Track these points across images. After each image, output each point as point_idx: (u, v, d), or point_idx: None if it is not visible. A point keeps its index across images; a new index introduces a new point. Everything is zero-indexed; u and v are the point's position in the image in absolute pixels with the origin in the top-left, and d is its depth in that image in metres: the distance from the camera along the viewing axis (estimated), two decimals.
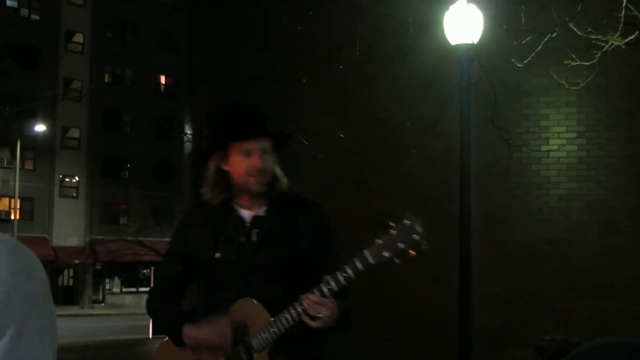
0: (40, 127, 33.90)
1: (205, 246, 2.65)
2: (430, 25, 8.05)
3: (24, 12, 36.84)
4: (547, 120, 8.69)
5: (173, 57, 37.72)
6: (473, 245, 6.73)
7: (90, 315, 32.74)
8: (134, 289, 39.33)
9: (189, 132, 12.93)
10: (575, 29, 6.83)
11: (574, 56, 7.23)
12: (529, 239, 8.64)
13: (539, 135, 8.58)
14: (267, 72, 10.20)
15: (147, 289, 34.00)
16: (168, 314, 2.75)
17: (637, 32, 6.71)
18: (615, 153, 8.45)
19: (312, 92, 9.88)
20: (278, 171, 2.68)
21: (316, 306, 2.43)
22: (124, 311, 34.59)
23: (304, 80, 9.64)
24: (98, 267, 38.17)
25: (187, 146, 13.25)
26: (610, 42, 6.82)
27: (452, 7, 6.97)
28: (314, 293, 2.45)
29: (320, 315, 2.44)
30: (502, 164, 8.57)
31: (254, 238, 2.63)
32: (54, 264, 34.07)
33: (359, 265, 2.42)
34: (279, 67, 9.89)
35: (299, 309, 2.46)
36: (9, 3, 36.22)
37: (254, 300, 2.56)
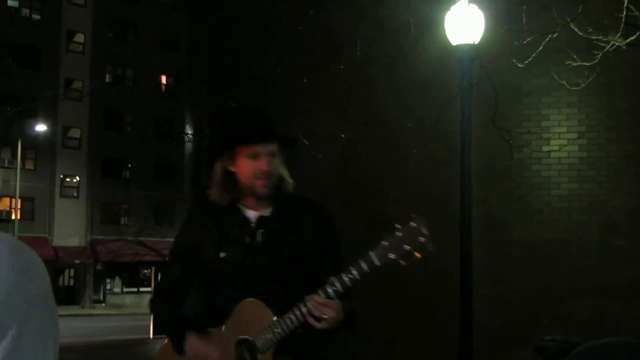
0: (41, 127, 33.91)
1: (210, 246, 2.65)
2: (431, 25, 8.05)
3: (25, 12, 36.85)
4: (548, 121, 8.69)
5: (174, 57, 37.73)
6: (474, 245, 6.73)
7: (91, 315, 32.75)
8: (134, 289, 39.34)
9: (189, 132, 12.94)
10: (576, 29, 6.83)
11: (575, 57, 7.23)
12: (529, 239, 8.64)
13: (539, 135, 8.58)
14: (268, 72, 10.20)
15: (148, 289, 34.12)
16: (172, 317, 2.74)
17: (638, 33, 6.70)
18: (615, 153, 8.45)
19: (313, 92, 9.88)
20: (284, 172, 2.68)
21: (321, 307, 2.43)
22: (125, 311, 34.60)
23: (304, 80, 9.64)
24: (99, 267, 38.17)
25: (188, 146, 13.28)
26: (611, 43, 6.81)
27: (453, 8, 6.97)
28: (318, 294, 2.45)
29: (325, 317, 2.44)
30: (503, 164, 8.57)
31: (259, 238, 2.63)
32: (54, 264, 34.08)
33: (364, 266, 2.43)
34: (280, 67, 9.89)
35: (304, 310, 2.46)
36: (10, 3, 36.24)
37: (259, 301, 2.55)
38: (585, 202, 8.49)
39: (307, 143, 7.90)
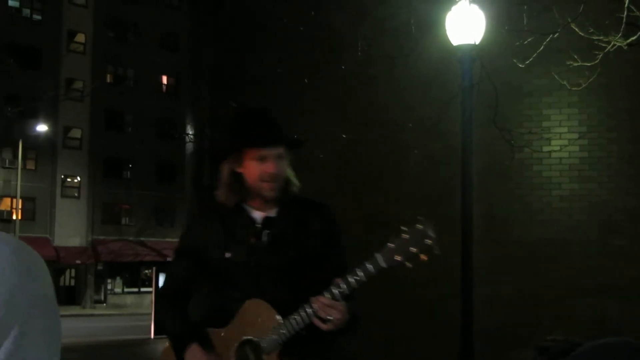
0: (42, 127, 33.92)
1: (215, 246, 2.65)
2: (432, 25, 8.05)
3: (26, 12, 36.87)
4: (549, 121, 8.69)
5: (175, 57, 37.76)
6: (474, 245, 6.72)
7: (92, 315, 32.77)
8: (135, 289, 39.34)
9: (190, 133, 12.95)
10: (577, 29, 6.82)
11: (575, 57, 7.23)
12: (530, 239, 8.64)
13: (540, 135, 8.58)
14: (269, 72, 10.21)
15: (149, 289, 34.12)
16: (175, 320, 2.73)
17: (639, 33, 6.70)
18: (616, 154, 8.45)
19: (313, 92, 9.88)
20: (290, 174, 2.69)
21: (327, 308, 2.44)
22: (126, 311, 34.62)
23: (305, 81, 9.65)
24: (100, 267, 38.18)
25: (189, 146, 13.27)
26: (612, 43, 6.81)
27: (454, 8, 6.96)
28: (324, 295, 2.45)
29: (331, 318, 2.44)
30: (503, 164, 8.57)
31: (264, 239, 2.63)
32: (55, 264, 34.08)
33: (370, 268, 2.43)
34: (280, 67, 9.90)
35: (309, 311, 2.46)
36: (10, 3, 36.25)
37: (263, 301, 2.55)
38: (586, 202, 8.49)
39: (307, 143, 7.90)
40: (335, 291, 2.45)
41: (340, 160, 9.72)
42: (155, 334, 16.81)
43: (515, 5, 7.58)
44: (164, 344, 2.82)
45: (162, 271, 17.49)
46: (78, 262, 36.75)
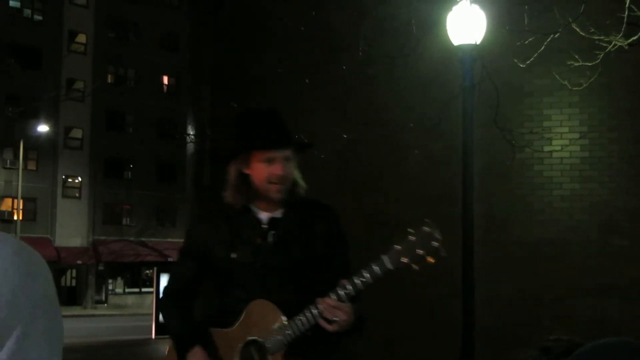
0: (43, 128, 33.94)
1: (221, 246, 2.65)
2: (433, 25, 8.05)
3: (27, 12, 36.89)
4: (549, 121, 8.69)
5: (175, 57, 37.77)
6: (475, 245, 6.72)
7: (93, 315, 32.79)
8: (136, 290, 39.36)
9: (191, 133, 12.95)
10: (578, 29, 6.82)
11: (576, 57, 7.23)
12: (530, 239, 8.64)
13: (541, 135, 8.57)
14: (269, 72, 10.21)
15: (149, 290, 34.09)
16: (179, 321, 2.72)
17: (639, 33, 6.70)
18: (617, 153, 8.44)
19: (313, 92, 9.88)
20: (297, 176, 2.69)
21: (333, 310, 2.44)
22: (127, 312, 34.63)
23: (306, 81, 9.65)
24: (101, 267, 38.20)
25: (190, 146, 13.26)
26: (613, 43, 6.81)
27: (455, 8, 6.96)
28: (330, 296, 2.45)
29: (337, 319, 2.44)
30: (504, 164, 8.56)
31: (270, 239, 2.64)
32: (56, 265, 34.10)
33: (376, 269, 2.43)
34: (281, 67, 9.90)
35: (315, 312, 2.46)
36: (11, 3, 36.27)
37: (269, 302, 2.55)
38: (587, 202, 8.49)
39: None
40: (341, 292, 2.45)
41: (340, 160, 9.72)
42: (156, 334, 16.81)
43: (516, 5, 7.58)
44: (166, 344, 2.82)
45: (163, 271, 17.49)
46: (79, 262, 36.77)
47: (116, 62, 38.88)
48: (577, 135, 8.52)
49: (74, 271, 38.03)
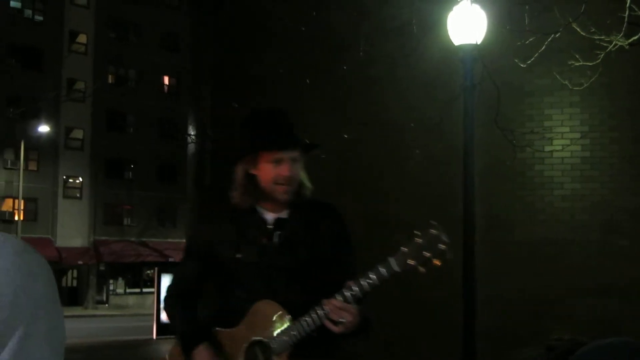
0: (43, 128, 33.96)
1: (226, 246, 2.65)
2: (433, 25, 8.05)
3: (28, 13, 36.90)
4: (550, 121, 8.68)
5: (175, 58, 37.77)
6: (476, 245, 6.72)
7: (94, 316, 32.78)
8: (137, 290, 39.37)
9: (192, 133, 12.95)
10: (578, 29, 6.82)
11: (577, 56, 7.23)
12: (531, 239, 8.63)
13: (542, 135, 8.57)
14: (270, 73, 10.21)
15: (151, 290, 34.08)
16: (184, 319, 2.73)
17: None
18: (618, 153, 8.44)
19: (315, 93, 9.88)
20: (303, 177, 2.69)
21: (338, 311, 2.44)
22: (128, 312, 34.63)
23: (307, 81, 9.65)
24: (102, 267, 38.21)
25: (191, 147, 13.26)
26: (613, 43, 6.81)
27: (455, 8, 6.97)
28: (336, 298, 2.45)
29: (343, 320, 2.44)
30: (505, 164, 8.56)
31: (275, 240, 2.64)
32: (57, 265, 34.10)
33: (383, 272, 2.43)
34: (282, 67, 9.90)
35: (321, 313, 2.46)
36: (12, 4, 36.29)
37: (274, 302, 2.55)
38: (588, 202, 8.49)
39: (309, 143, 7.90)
40: (348, 294, 2.45)
41: (340, 160, 9.71)
42: (157, 334, 16.82)
43: (517, 5, 7.58)
44: (167, 344, 2.82)
45: (164, 272, 17.49)
46: (80, 262, 36.79)
47: (117, 63, 38.90)
48: (578, 135, 8.52)
49: (75, 271, 38.05)
